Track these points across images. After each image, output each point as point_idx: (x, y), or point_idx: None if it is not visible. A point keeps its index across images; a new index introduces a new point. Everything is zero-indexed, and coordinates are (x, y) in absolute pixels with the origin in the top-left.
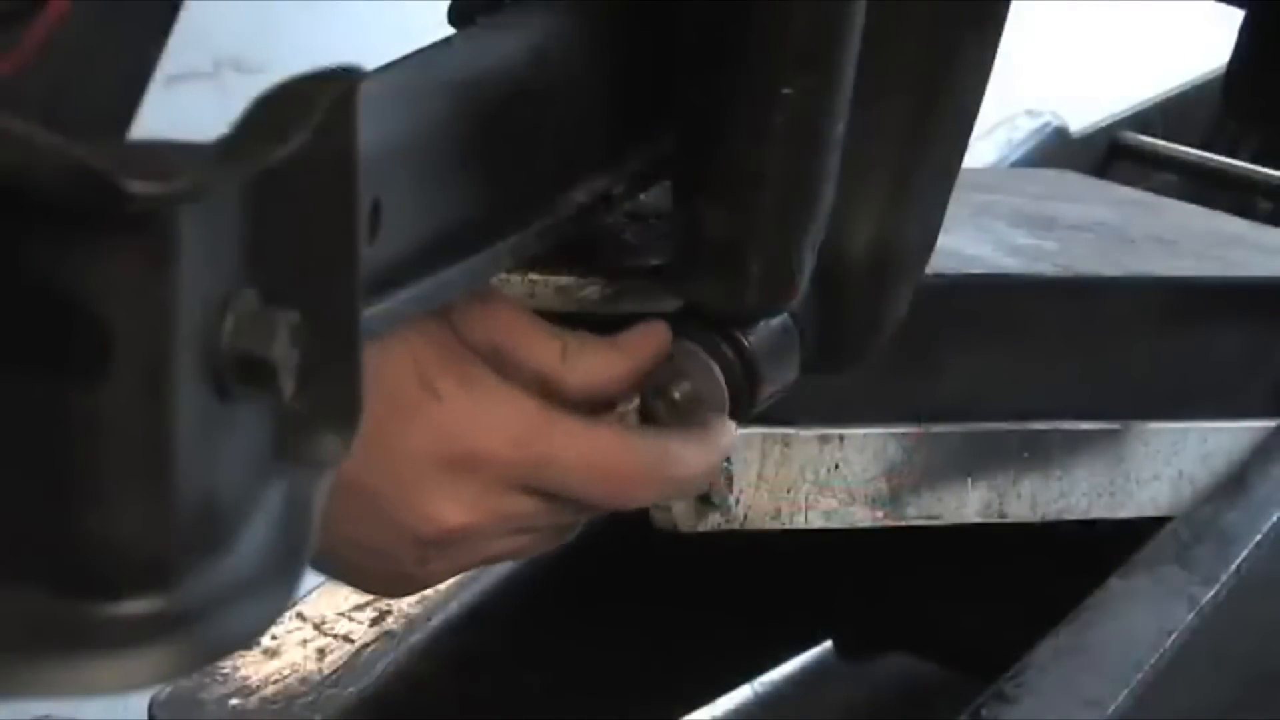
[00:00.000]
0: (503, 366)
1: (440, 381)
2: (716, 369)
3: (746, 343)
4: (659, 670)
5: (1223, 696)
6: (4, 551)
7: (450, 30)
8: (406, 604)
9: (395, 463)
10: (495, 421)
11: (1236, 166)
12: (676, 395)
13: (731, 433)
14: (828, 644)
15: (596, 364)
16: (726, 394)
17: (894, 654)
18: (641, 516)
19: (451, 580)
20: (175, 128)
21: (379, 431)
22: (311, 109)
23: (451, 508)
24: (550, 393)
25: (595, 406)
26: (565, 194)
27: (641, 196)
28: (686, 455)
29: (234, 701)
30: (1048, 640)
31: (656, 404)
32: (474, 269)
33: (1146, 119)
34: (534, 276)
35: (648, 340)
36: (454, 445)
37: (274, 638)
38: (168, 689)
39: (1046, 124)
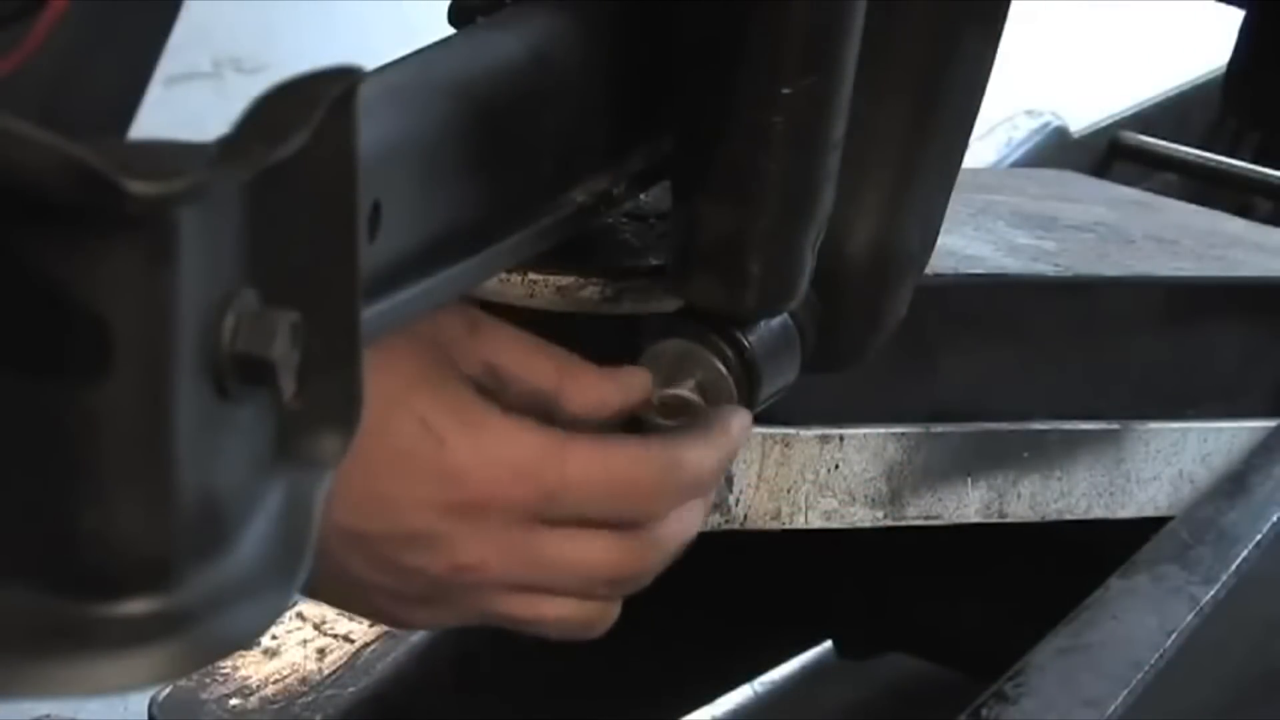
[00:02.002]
0: (500, 386)
1: (442, 425)
2: (720, 365)
3: (746, 343)
4: (659, 670)
5: (1223, 696)
6: (4, 551)
7: (450, 30)
8: None
9: (402, 513)
10: (503, 459)
11: (1236, 166)
12: (682, 394)
13: (743, 417)
14: (828, 644)
15: (590, 387)
16: (734, 389)
17: (894, 654)
18: None
19: None
20: (175, 128)
21: (380, 482)
22: (311, 109)
23: (464, 547)
24: (548, 411)
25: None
26: (565, 194)
27: (641, 196)
28: (699, 455)
29: (234, 701)
30: (1048, 640)
31: (661, 401)
32: (474, 269)
33: (1146, 119)
34: (534, 276)
35: (638, 377)
36: (463, 491)
37: (274, 638)
38: (168, 689)
39: (1046, 124)
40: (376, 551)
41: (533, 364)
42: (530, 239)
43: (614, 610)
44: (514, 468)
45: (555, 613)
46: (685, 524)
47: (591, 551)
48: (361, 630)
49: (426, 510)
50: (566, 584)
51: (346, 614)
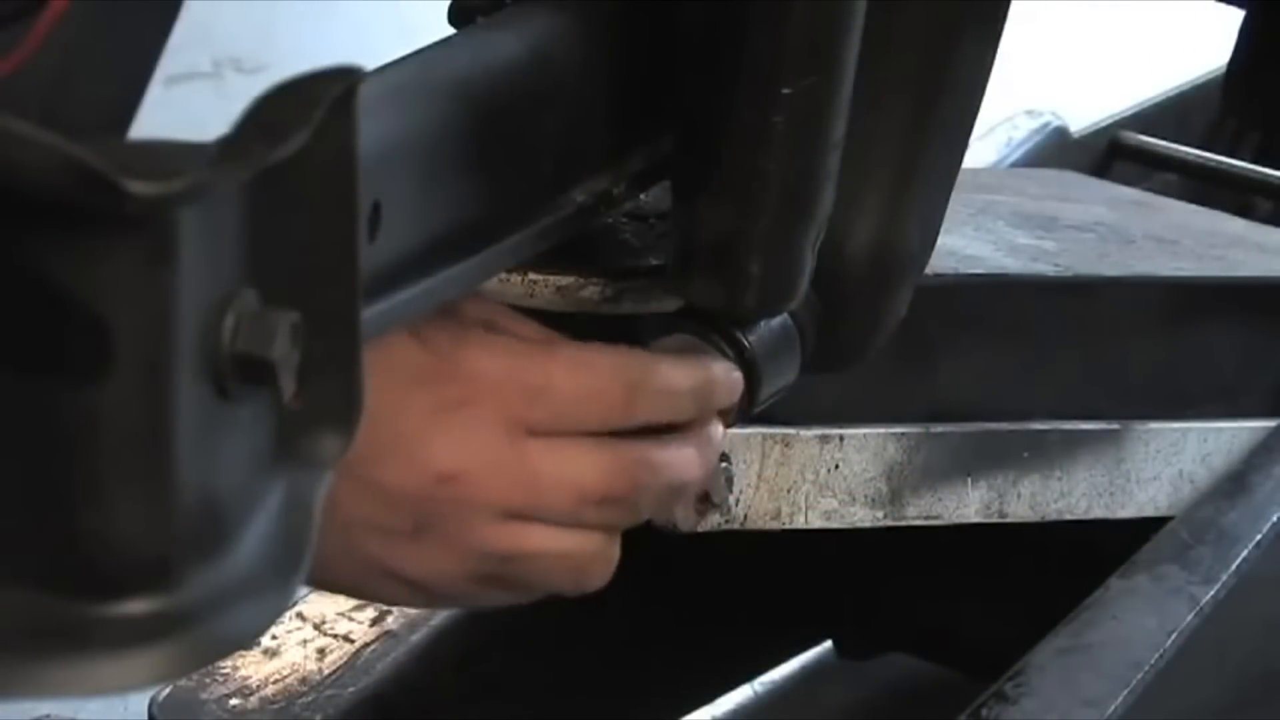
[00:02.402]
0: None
1: (433, 338)
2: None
3: (747, 343)
4: (659, 670)
5: (1223, 696)
6: (4, 551)
7: (450, 30)
8: None
9: (387, 420)
10: (489, 359)
11: (1236, 166)
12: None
13: (726, 366)
14: (828, 644)
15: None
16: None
17: (894, 654)
18: None
19: None
20: (175, 128)
21: (377, 399)
22: (311, 109)
23: (445, 451)
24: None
25: None
26: (565, 194)
27: (641, 196)
28: (672, 370)
29: (234, 701)
30: (1048, 640)
31: None
32: (474, 269)
33: (1146, 119)
34: (534, 276)
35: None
36: (448, 388)
37: (274, 638)
38: (168, 689)
39: (1046, 124)
40: (360, 476)
41: (529, 328)
42: (530, 239)
43: (609, 551)
44: (500, 367)
45: (546, 543)
46: (678, 456)
47: (578, 464)
48: (361, 630)
49: (411, 412)
50: (555, 505)
51: (346, 614)
